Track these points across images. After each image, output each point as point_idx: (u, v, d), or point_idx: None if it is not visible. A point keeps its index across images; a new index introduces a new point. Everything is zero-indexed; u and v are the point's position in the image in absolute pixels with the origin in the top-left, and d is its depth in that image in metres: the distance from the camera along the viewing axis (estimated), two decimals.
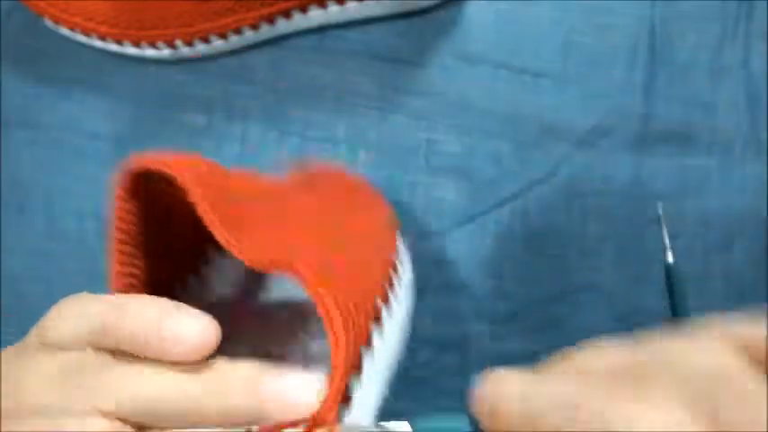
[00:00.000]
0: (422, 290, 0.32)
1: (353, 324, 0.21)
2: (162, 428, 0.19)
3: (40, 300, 0.37)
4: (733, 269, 0.36)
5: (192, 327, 0.19)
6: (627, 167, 0.37)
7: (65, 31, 0.37)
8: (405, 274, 0.28)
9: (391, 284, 0.26)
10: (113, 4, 0.36)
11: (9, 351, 0.21)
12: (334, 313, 0.20)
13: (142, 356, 0.19)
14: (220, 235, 0.20)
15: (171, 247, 0.25)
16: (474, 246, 0.37)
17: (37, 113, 0.38)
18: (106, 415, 0.19)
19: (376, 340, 0.22)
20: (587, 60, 0.37)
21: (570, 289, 0.36)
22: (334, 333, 0.19)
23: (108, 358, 0.20)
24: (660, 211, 0.36)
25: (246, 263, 0.20)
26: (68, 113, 0.38)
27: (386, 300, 0.24)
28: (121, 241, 0.23)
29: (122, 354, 0.20)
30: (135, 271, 0.23)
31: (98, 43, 0.37)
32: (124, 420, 0.19)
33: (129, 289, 0.23)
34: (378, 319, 0.23)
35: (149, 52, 0.37)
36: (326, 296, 0.20)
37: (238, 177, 0.24)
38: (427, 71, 0.37)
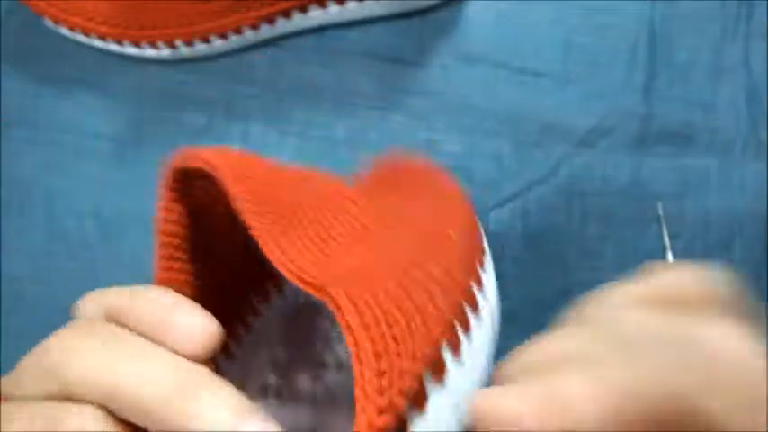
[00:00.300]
0: None
1: (393, 379, 0.17)
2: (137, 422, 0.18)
3: (40, 300, 0.38)
4: (733, 268, 0.36)
5: (199, 322, 0.19)
6: (627, 167, 0.37)
7: (65, 31, 0.37)
8: (487, 306, 0.23)
9: (466, 323, 0.21)
10: (113, 4, 0.36)
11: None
12: (367, 366, 0.16)
13: (151, 338, 0.19)
14: (267, 248, 0.19)
15: (218, 256, 0.23)
16: None
17: (37, 113, 0.38)
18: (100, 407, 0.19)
19: (433, 399, 0.18)
20: (587, 60, 0.37)
21: (570, 289, 0.36)
22: (362, 389, 0.16)
23: (105, 325, 0.20)
24: (660, 212, 0.36)
25: (283, 272, 0.19)
26: (68, 113, 0.38)
27: (455, 344, 0.19)
28: (168, 246, 0.22)
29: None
30: (181, 278, 0.22)
31: (98, 43, 0.37)
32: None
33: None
34: (439, 369, 0.18)
35: (149, 52, 0.37)
36: (362, 340, 0.17)
37: (288, 177, 0.23)
38: (427, 71, 0.37)
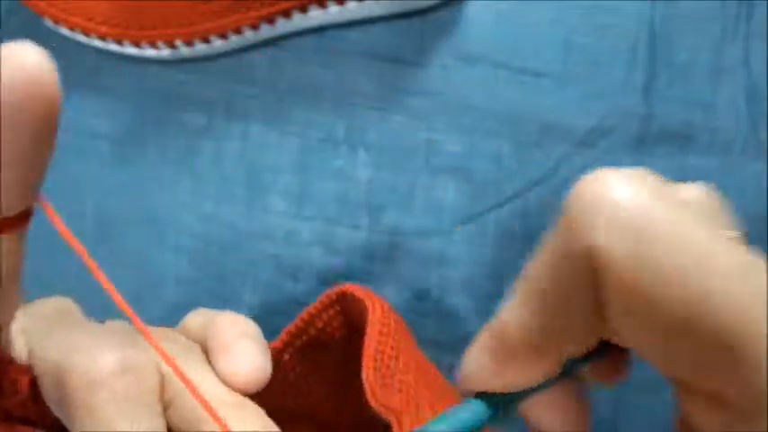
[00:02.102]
0: (422, 290, 0.32)
1: None
2: None
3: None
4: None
5: (248, 361, 0.21)
6: (627, 167, 0.37)
7: (65, 31, 0.37)
8: None
9: None
10: (113, 4, 0.36)
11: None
12: None
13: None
14: (369, 389, 0.22)
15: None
16: (474, 246, 0.37)
17: None
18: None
19: None
20: (587, 60, 0.37)
21: None
22: None
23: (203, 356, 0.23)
24: None
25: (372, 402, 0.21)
26: (68, 113, 0.38)
27: None
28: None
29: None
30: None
31: (98, 43, 0.37)
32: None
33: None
34: None
35: (149, 52, 0.37)
36: None
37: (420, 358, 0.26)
38: (427, 71, 0.37)
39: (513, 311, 0.20)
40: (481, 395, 0.21)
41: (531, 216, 0.37)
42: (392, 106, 0.37)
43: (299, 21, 0.36)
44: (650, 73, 0.37)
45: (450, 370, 0.36)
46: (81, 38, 0.37)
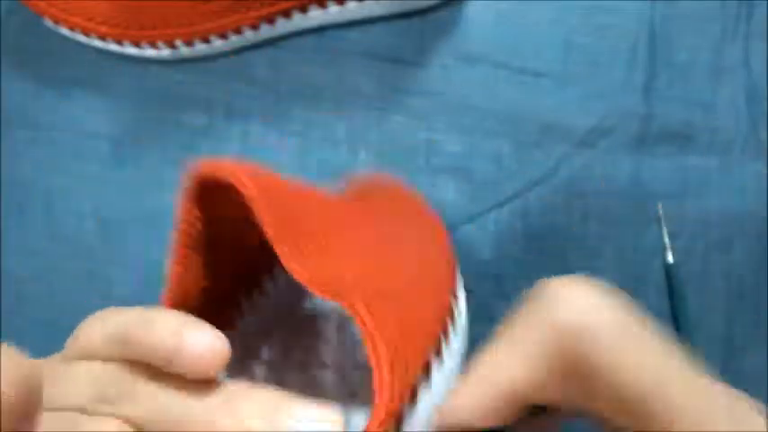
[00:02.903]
0: None
1: (402, 374, 0.20)
2: None
3: (40, 300, 0.38)
4: (733, 268, 0.36)
5: (202, 340, 0.19)
6: (627, 167, 0.37)
7: (65, 31, 0.37)
8: (460, 320, 0.27)
9: (446, 332, 0.24)
10: (113, 4, 0.36)
11: (55, 358, 0.22)
12: (385, 362, 0.19)
13: (165, 370, 0.19)
14: (289, 264, 0.20)
15: (231, 260, 0.24)
16: (474, 246, 0.37)
17: (37, 113, 0.38)
18: (127, 422, 0.19)
19: (422, 395, 0.21)
20: (587, 60, 0.37)
21: None
22: (381, 379, 0.19)
23: (139, 374, 0.20)
24: (660, 212, 0.36)
25: (308, 286, 0.20)
26: (68, 113, 0.38)
27: (438, 350, 0.23)
28: (185, 245, 0.22)
29: (146, 366, 0.20)
30: (192, 278, 0.23)
31: (98, 43, 0.37)
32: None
33: (185, 295, 0.23)
34: (427, 370, 0.22)
35: (149, 52, 0.37)
36: (381, 344, 0.19)
37: (297, 189, 0.24)
38: (427, 71, 0.37)
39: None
40: None
41: (531, 216, 0.37)
42: (392, 106, 0.37)
43: (299, 21, 0.36)
44: (650, 73, 0.37)
45: None
46: (81, 38, 0.37)
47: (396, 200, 0.32)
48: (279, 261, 0.21)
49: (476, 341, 0.35)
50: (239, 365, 0.25)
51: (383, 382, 0.19)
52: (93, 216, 0.38)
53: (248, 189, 0.21)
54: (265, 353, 0.27)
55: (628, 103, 0.37)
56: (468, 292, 0.28)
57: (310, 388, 0.26)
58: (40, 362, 0.21)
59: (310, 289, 0.20)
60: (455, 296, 0.27)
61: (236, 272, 0.25)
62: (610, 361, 0.19)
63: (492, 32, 0.37)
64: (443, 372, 0.23)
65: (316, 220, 0.23)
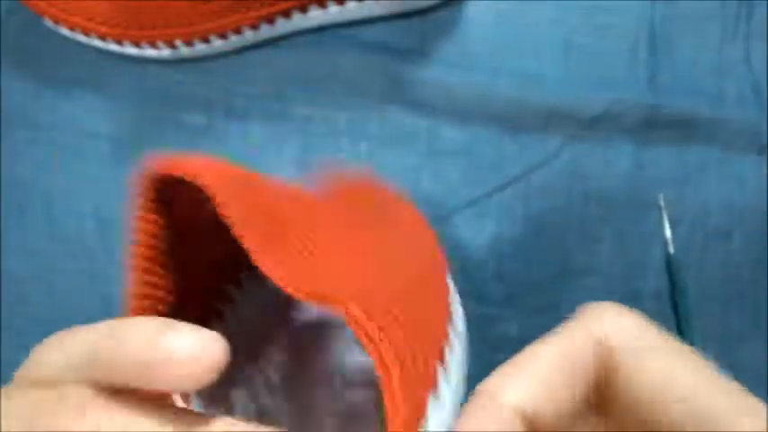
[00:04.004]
0: None
1: (412, 392, 0.17)
2: None
3: (40, 300, 0.38)
4: (732, 257, 0.36)
5: (190, 343, 0.16)
6: (629, 152, 0.37)
7: (65, 31, 0.37)
8: (459, 322, 0.24)
9: (447, 337, 0.22)
10: (113, 4, 0.36)
11: (5, 389, 0.18)
12: (395, 376, 0.16)
13: (146, 388, 0.16)
14: (262, 262, 0.18)
15: (198, 265, 0.21)
16: (475, 229, 0.37)
17: (37, 113, 0.38)
18: None
19: (432, 413, 0.18)
20: (587, 60, 0.37)
21: (570, 272, 0.36)
22: (393, 403, 0.16)
23: (94, 398, 0.16)
24: (661, 202, 0.36)
25: (292, 293, 0.18)
26: (68, 113, 0.38)
27: (444, 363, 0.20)
28: (144, 257, 0.19)
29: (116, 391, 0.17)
30: (158, 292, 0.20)
31: (98, 43, 0.37)
32: None
33: (150, 312, 0.20)
34: (436, 386, 0.19)
35: (149, 52, 0.37)
36: (387, 354, 0.17)
37: (270, 187, 0.22)
38: (427, 71, 0.37)
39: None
40: None
41: (532, 199, 0.37)
42: (392, 106, 0.37)
43: (299, 21, 0.36)
44: (652, 71, 0.37)
45: None
46: (81, 38, 0.37)
47: (381, 202, 0.30)
48: (251, 271, 0.18)
49: (474, 324, 0.35)
50: (217, 391, 0.23)
51: (396, 407, 0.16)
52: (93, 216, 0.38)
53: (206, 181, 0.18)
54: (246, 375, 0.24)
55: (632, 94, 0.37)
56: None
57: (299, 409, 0.24)
58: None
59: (289, 291, 0.18)
60: (451, 298, 0.25)
61: (209, 286, 0.23)
62: (638, 367, 0.18)
63: (492, 32, 0.37)
64: (450, 384, 0.20)
65: (298, 221, 0.21)
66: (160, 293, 0.20)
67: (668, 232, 0.36)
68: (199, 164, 0.19)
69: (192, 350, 0.16)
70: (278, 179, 0.22)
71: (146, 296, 0.20)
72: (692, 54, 0.37)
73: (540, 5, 0.37)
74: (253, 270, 0.19)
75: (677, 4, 0.37)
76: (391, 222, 0.27)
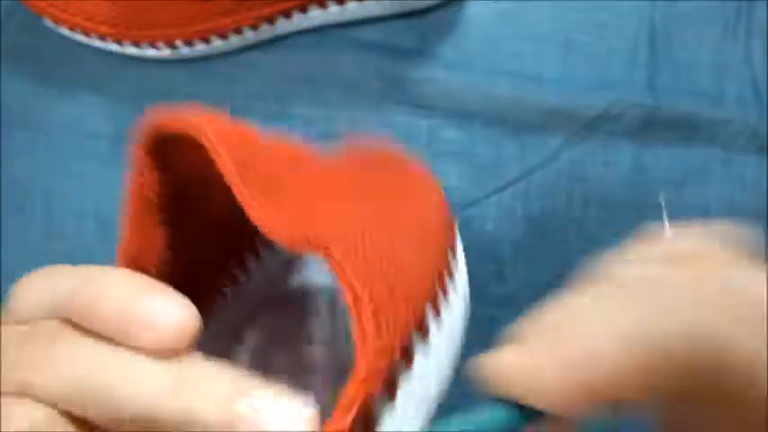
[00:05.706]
0: None
1: (389, 328, 0.17)
2: (109, 425, 0.16)
3: None
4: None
5: (167, 311, 0.16)
6: (628, 153, 0.37)
7: (65, 31, 0.37)
8: (460, 279, 0.24)
9: (444, 290, 0.22)
10: (113, 4, 0.36)
11: None
12: (366, 310, 0.16)
13: (118, 342, 0.16)
14: (249, 206, 0.17)
15: (205, 235, 0.21)
16: (475, 230, 0.37)
17: (37, 113, 0.38)
18: (41, 399, 0.16)
19: (418, 357, 0.18)
20: (587, 60, 0.37)
21: (569, 273, 0.36)
22: (362, 330, 0.16)
23: (65, 330, 0.16)
24: (662, 203, 0.36)
25: (276, 239, 0.17)
26: (68, 113, 0.38)
27: (436, 307, 0.20)
28: (134, 210, 0.19)
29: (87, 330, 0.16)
30: (149, 246, 0.20)
31: (98, 43, 0.37)
32: (65, 409, 0.16)
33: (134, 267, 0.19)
34: (423, 329, 0.19)
35: (149, 52, 0.37)
36: (360, 289, 0.17)
37: (272, 143, 0.21)
38: (427, 71, 0.37)
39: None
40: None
41: (532, 200, 0.37)
42: (392, 106, 0.37)
43: (298, 21, 0.36)
44: (652, 70, 0.37)
45: None
46: (81, 38, 0.37)
47: (388, 161, 0.29)
48: (260, 234, 0.18)
49: (473, 325, 0.35)
50: (221, 353, 0.23)
51: (365, 334, 0.16)
52: (93, 216, 0.38)
53: (205, 135, 0.18)
54: (250, 338, 0.24)
55: (632, 94, 0.37)
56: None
57: (298, 368, 0.24)
58: None
59: (274, 238, 0.17)
60: (454, 253, 0.24)
61: (216, 248, 0.22)
62: None
63: (492, 32, 0.37)
64: (443, 332, 0.20)
65: (297, 179, 0.20)
66: (151, 248, 0.20)
67: (669, 233, 0.36)
68: (198, 119, 0.18)
69: (172, 316, 0.16)
70: (280, 135, 0.22)
71: (134, 250, 0.19)
72: (692, 54, 0.37)
73: (540, 5, 0.37)
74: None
75: (677, 4, 0.37)
76: (394, 177, 0.27)
